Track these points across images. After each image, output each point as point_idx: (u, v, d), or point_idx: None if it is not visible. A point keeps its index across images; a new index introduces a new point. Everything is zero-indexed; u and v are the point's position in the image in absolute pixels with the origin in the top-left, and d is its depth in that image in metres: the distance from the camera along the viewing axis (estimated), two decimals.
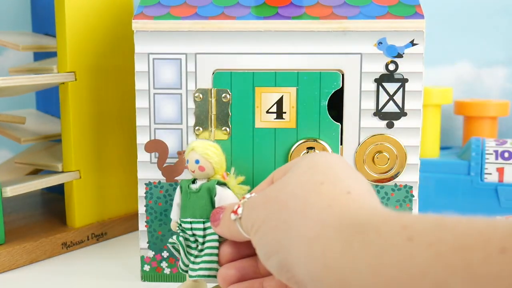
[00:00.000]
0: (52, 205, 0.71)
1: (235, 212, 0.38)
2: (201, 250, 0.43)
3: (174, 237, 0.45)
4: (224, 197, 0.44)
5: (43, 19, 0.74)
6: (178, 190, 0.47)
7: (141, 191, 0.52)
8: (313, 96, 0.49)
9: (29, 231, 0.61)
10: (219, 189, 0.44)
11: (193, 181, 0.46)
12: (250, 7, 0.50)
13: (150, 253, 0.53)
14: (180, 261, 0.45)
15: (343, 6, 0.49)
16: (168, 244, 0.46)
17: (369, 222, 0.30)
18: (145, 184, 0.51)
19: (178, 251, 0.46)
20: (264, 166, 0.51)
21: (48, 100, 0.75)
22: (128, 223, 0.66)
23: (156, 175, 0.51)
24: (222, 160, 0.45)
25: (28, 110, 0.76)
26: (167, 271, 0.53)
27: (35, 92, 0.78)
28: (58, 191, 0.74)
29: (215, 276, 0.42)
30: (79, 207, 0.62)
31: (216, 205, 0.44)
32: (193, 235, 0.44)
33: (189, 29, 0.49)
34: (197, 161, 0.44)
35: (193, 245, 0.44)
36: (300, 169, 0.36)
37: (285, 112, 0.50)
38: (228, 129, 0.50)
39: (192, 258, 0.44)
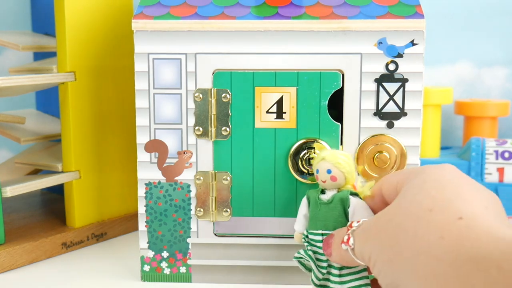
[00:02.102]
0: (52, 205, 0.71)
1: (346, 243, 0.37)
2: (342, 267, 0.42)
3: (301, 251, 0.43)
4: (358, 208, 0.42)
5: (43, 19, 0.74)
6: (304, 200, 0.45)
7: (141, 191, 0.52)
8: (313, 96, 0.49)
9: (29, 231, 0.61)
10: (352, 200, 0.42)
11: (322, 192, 0.44)
12: (250, 7, 0.50)
13: (150, 253, 0.52)
14: (312, 275, 0.43)
15: (343, 6, 0.49)
16: (294, 259, 0.44)
17: (488, 257, 0.28)
18: (145, 184, 0.51)
19: (304, 265, 0.44)
20: (264, 166, 0.51)
21: (48, 100, 0.75)
22: (128, 223, 0.66)
23: (156, 175, 0.51)
24: (352, 170, 0.43)
25: (28, 110, 0.76)
26: (167, 271, 0.53)
27: (35, 92, 0.78)
28: (58, 191, 0.74)
29: (367, 285, 0.41)
30: (79, 207, 0.62)
31: (350, 216, 0.42)
32: None
33: (189, 29, 0.49)
34: (329, 171, 0.42)
35: (324, 258, 0.42)
36: (409, 193, 0.35)
37: (285, 112, 0.50)
38: (228, 129, 0.50)
39: (334, 271, 0.42)
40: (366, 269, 0.41)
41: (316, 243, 0.43)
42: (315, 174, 0.43)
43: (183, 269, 0.53)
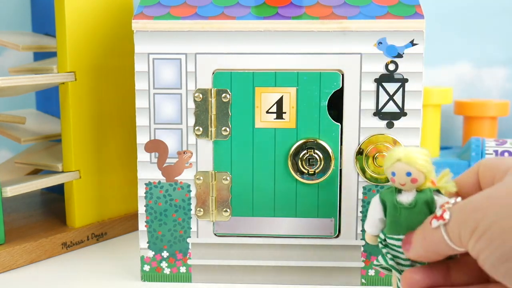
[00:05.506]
0: (52, 205, 0.71)
1: (439, 217, 0.35)
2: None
3: (380, 259, 0.41)
4: None
5: (43, 19, 0.74)
6: (378, 204, 0.41)
7: (141, 191, 0.52)
8: (313, 96, 0.49)
9: (29, 231, 0.61)
10: (438, 200, 0.38)
11: (397, 190, 0.40)
12: (250, 7, 0.50)
13: (150, 253, 0.53)
14: (399, 283, 0.40)
15: (343, 6, 0.49)
16: (375, 266, 0.42)
17: None
18: (145, 184, 0.51)
19: (386, 269, 0.42)
20: (264, 166, 0.51)
21: (48, 100, 0.75)
22: (128, 223, 0.67)
23: (156, 175, 0.51)
24: (432, 167, 0.39)
25: (28, 110, 0.76)
26: (167, 271, 0.53)
27: (35, 92, 0.78)
28: (58, 191, 0.74)
29: None
30: (79, 207, 0.62)
31: None
32: None
33: (189, 29, 0.49)
34: (408, 174, 0.38)
35: (406, 263, 0.40)
36: None
37: (285, 112, 0.50)
38: (228, 129, 0.50)
39: None
40: None
41: (397, 248, 0.40)
42: (389, 176, 0.40)
43: (183, 269, 0.53)
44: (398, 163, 0.39)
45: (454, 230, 0.34)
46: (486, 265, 0.33)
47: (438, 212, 0.36)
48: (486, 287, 0.37)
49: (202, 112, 0.50)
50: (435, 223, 0.35)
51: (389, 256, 0.40)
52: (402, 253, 0.40)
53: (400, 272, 0.40)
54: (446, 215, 0.35)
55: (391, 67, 0.49)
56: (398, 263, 0.40)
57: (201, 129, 0.50)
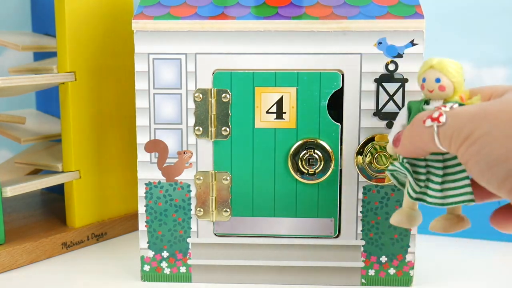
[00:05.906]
0: (52, 205, 0.71)
1: (435, 119, 0.37)
2: (445, 175, 0.40)
3: (396, 163, 0.42)
4: None
5: (43, 19, 0.74)
6: (405, 110, 0.43)
7: (141, 191, 0.52)
8: (313, 96, 0.49)
9: (29, 231, 0.61)
10: None
11: (426, 102, 0.41)
12: (250, 7, 0.50)
13: (150, 253, 0.53)
14: (408, 188, 0.42)
15: (343, 6, 0.49)
16: (387, 172, 0.43)
17: None
18: (145, 184, 0.51)
19: (397, 179, 0.43)
20: (264, 166, 0.51)
21: (48, 100, 0.75)
22: (128, 223, 0.67)
23: (156, 175, 0.51)
24: (462, 80, 0.40)
25: (28, 110, 0.76)
26: (167, 271, 0.53)
27: (35, 92, 0.78)
28: (58, 191, 0.74)
29: (472, 200, 0.40)
30: (79, 207, 0.62)
31: None
32: (425, 159, 0.41)
33: (189, 29, 0.49)
34: (437, 80, 0.40)
35: (423, 170, 0.41)
36: None
37: (285, 112, 0.50)
38: (228, 129, 0.50)
39: (434, 186, 0.41)
40: (470, 184, 0.40)
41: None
42: (419, 83, 0.41)
43: (183, 269, 0.53)
44: (430, 69, 0.40)
45: (446, 133, 0.37)
46: (474, 171, 0.36)
47: (435, 114, 0.37)
48: None
49: (202, 112, 0.50)
50: (429, 122, 0.38)
51: (405, 162, 0.41)
52: (419, 159, 0.41)
53: (413, 177, 0.41)
54: (442, 119, 0.37)
55: (391, 67, 0.49)
56: (414, 171, 0.41)
57: (201, 129, 0.50)
